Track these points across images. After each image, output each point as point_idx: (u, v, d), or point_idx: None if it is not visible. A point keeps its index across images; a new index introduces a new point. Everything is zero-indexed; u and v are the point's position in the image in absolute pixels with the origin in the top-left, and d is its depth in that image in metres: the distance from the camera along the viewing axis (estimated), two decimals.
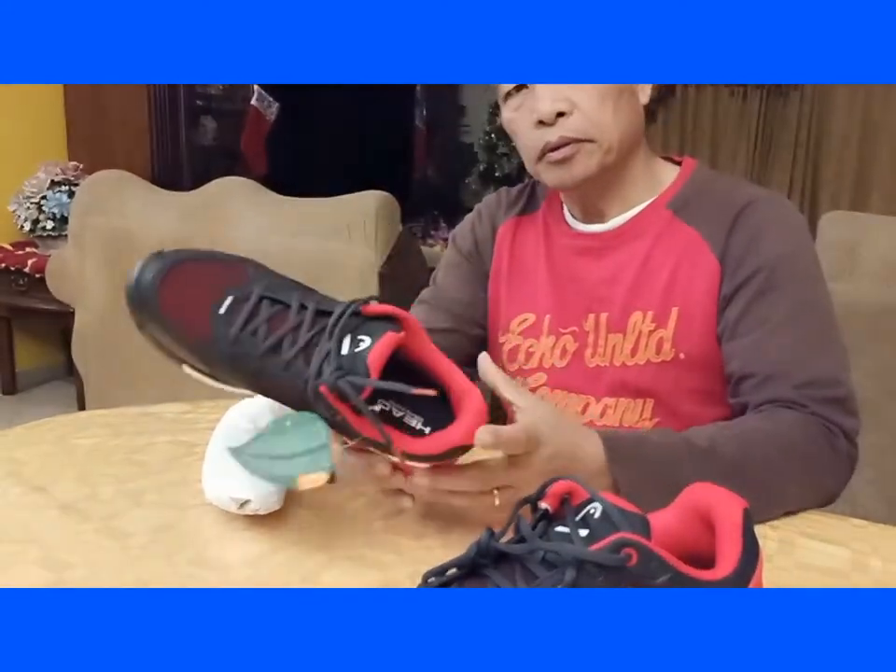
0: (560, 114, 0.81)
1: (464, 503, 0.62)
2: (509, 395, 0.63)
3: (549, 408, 0.67)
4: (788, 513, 0.71)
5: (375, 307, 0.56)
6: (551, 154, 0.83)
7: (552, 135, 0.82)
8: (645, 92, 0.87)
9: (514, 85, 0.85)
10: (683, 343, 0.84)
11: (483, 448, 0.58)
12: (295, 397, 0.56)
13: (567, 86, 0.81)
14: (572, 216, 0.93)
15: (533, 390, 0.92)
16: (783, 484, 0.71)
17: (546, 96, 0.81)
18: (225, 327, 0.56)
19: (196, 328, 0.56)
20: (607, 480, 0.65)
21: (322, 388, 0.53)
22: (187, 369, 0.59)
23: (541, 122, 0.82)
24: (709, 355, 0.83)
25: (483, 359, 0.65)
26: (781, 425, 0.74)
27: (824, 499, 0.74)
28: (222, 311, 0.56)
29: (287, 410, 0.59)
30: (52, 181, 3.01)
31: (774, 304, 0.80)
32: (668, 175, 0.91)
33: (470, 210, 1.03)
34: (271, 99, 3.62)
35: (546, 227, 0.95)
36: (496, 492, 0.62)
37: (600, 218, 0.90)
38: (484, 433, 0.57)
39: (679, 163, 0.92)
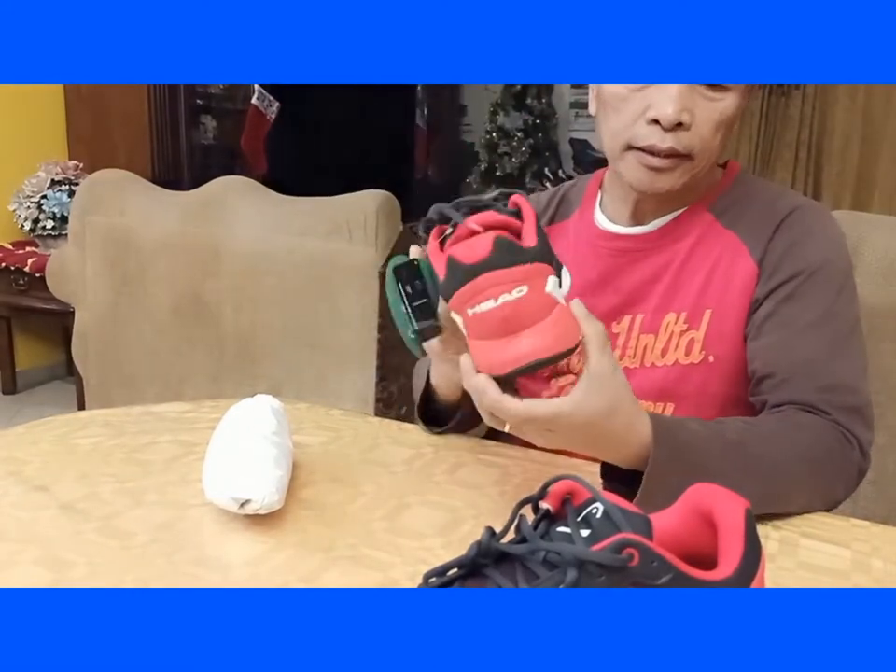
0: (679, 124, 0.78)
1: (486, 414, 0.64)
2: (591, 351, 0.61)
3: (610, 388, 0.63)
4: (789, 513, 0.71)
5: (519, 199, 0.64)
6: (649, 157, 0.80)
7: (661, 140, 0.78)
8: (738, 120, 0.86)
9: None
10: (713, 346, 0.84)
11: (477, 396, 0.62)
12: None
13: (694, 98, 0.78)
14: (608, 218, 0.92)
15: (561, 389, 0.92)
16: (795, 488, 0.71)
17: (675, 101, 0.77)
18: None
19: None
20: (641, 454, 0.65)
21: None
22: None
23: (656, 122, 0.78)
24: (738, 359, 0.83)
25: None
26: (804, 430, 0.74)
27: (829, 506, 0.75)
28: None
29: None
30: (52, 180, 3.01)
31: (802, 309, 0.80)
32: (714, 178, 0.90)
33: None
34: (271, 98, 3.62)
35: (577, 234, 0.94)
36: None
37: (642, 220, 0.89)
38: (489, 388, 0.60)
39: (723, 165, 0.92)
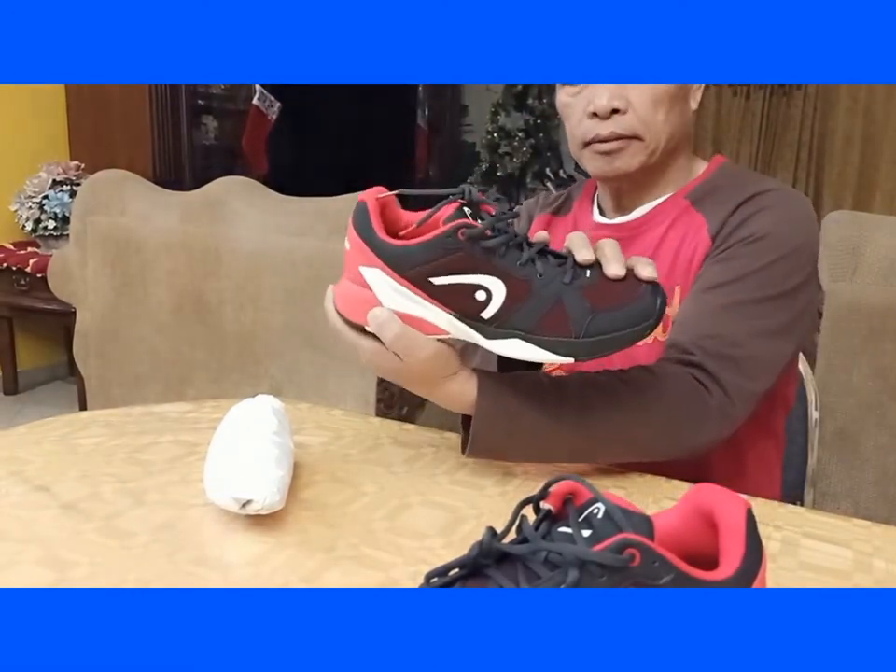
0: (615, 111, 0.84)
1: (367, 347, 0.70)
2: None
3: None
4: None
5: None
6: (598, 144, 0.87)
7: (603, 129, 0.85)
8: (696, 99, 0.91)
9: None
10: None
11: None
12: None
13: (626, 85, 0.84)
14: (601, 212, 0.97)
15: (550, 372, 0.95)
16: (626, 423, 0.74)
17: (605, 92, 0.84)
18: None
19: None
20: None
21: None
22: None
23: (595, 115, 0.85)
24: None
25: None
26: (651, 369, 0.77)
27: (680, 451, 0.76)
28: None
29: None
30: (54, 181, 3.02)
31: (723, 269, 0.82)
32: (698, 171, 0.94)
33: None
34: (272, 98, 3.63)
35: (574, 226, 0.99)
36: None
37: (627, 211, 0.94)
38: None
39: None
